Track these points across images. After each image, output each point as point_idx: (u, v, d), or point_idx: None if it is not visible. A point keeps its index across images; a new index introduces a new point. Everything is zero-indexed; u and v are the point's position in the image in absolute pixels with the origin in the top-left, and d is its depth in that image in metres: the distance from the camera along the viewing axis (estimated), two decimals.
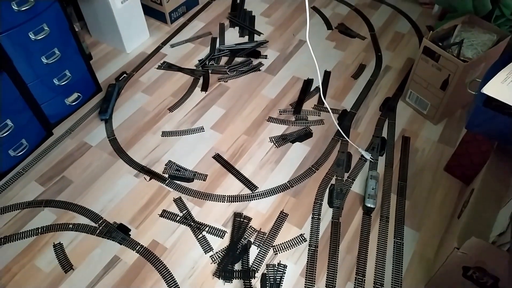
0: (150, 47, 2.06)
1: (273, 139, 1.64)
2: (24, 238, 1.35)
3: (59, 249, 1.32)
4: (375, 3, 2.30)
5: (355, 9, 2.27)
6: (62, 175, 1.52)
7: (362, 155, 1.56)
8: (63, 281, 1.25)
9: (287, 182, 1.49)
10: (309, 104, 1.77)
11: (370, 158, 1.55)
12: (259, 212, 1.40)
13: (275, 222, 1.38)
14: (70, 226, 1.37)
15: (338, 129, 1.63)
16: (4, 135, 1.43)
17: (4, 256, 1.31)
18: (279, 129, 1.67)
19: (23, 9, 1.35)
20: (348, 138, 1.62)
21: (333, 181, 1.49)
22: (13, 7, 1.33)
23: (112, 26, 1.92)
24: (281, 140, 1.63)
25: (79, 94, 1.71)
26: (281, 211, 1.41)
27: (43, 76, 1.54)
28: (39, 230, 1.37)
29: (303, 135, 1.65)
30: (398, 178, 1.50)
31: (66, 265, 1.28)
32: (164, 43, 2.08)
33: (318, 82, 1.86)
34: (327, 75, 1.91)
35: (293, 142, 1.63)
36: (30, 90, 1.51)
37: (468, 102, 1.71)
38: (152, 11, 2.17)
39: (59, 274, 1.27)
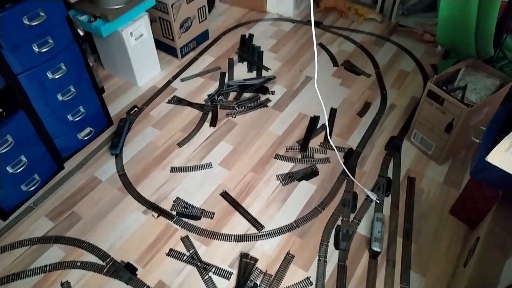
0: (161, 81, 2.12)
1: (279, 177, 1.66)
2: (32, 276, 1.36)
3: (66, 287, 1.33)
4: (380, 41, 2.36)
5: (360, 46, 2.33)
6: (72, 210, 1.55)
7: (368, 196, 1.58)
8: None
9: (294, 222, 1.51)
10: (315, 142, 1.80)
11: (376, 199, 1.57)
12: (265, 253, 1.41)
13: (281, 263, 1.39)
14: (78, 264, 1.39)
15: (344, 168, 1.66)
16: (18, 171, 1.46)
17: None
18: (285, 167, 1.70)
19: (43, 50, 1.41)
20: (354, 177, 1.65)
21: (339, 222, 1.51)
22: (34, 48, 1.38)
23: (125, 61, 1.98)
24: (288, 178, 1.66)
25: (91, 128, 1.75)
26: (287, 252, 1.42)
27: (58, 112, 1.58)
28: (48, 267, 1.38)
29: (309, 174, 1.67)
30: (404, 220, 1.51)
31: None
32: (175, 77, 2.14)
33: (324, 119, 1.89)
34: (333, 112, 1.94)
35: (299, 180, 1.65)
36: (44, 126, 1.56)
37: (472, 144, 1.73)
38: (164, 46, 2.24)
39: None
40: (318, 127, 1.88)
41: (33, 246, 1.44)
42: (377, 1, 2.52)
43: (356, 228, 1.49)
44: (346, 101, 2.00)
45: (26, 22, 1.31)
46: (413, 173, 1.67)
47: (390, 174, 1.67)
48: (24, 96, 1.43)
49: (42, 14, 1.34)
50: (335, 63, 2.22)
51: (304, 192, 1.61)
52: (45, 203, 1.57)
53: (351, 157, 1.74)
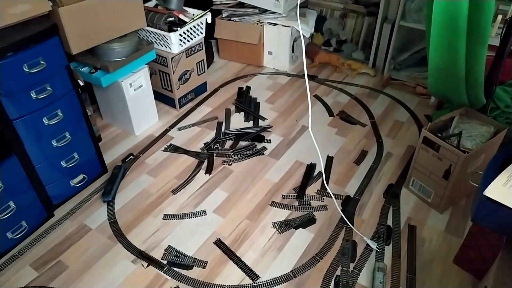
0: (158, 130, 2.14)
1: (276, 224, 1.61)
2: None
3: None
4: (373, 93, 2.43)
5: (355, 98, 2.39)
6: (58, 259, 1.48)
7: (367, 244, 1.52)
8: None
9: (290, 271, 1.43)
10: (312, 189, 1.77)
11: (376, 247, 1.50)
12: None
13: None
14: None
15: (342, 216, 1.61)
16: (5, 217, 1.42)
17: None
18: (282, 214, 1.66)
19: (41, 96, 1.43)
20: (353, 225, 1.59)
21: (338, 272, 1.43)
22: (32, 95, 1.41)
23: (123, 110, 2.01)
24: (284, 226, 1.60)
25: (84, 175, 1.73)
26: None
27: (52, 158, 1.58)
28: None
29: (307, 221, 1.62)
30: (407, 270, 1.43)
31: None
32: (172, 126, 2.17)
33: (321, 167, 1.88)
34: (329, 160, 1.94)
35: (296, 228, 1.60)
36: (37, 172, 1.54)
37: (472, 191, 1.70)
38: (162, 97, 2.29)
39: None
40: (314, 174, 1.86)
41: None
42: (369, 57, 2.63)
43: (357, 279, 1.41)
44: (342, 149, 2.00)
45: (26, 69, 1.35)
46: (413, 221, 1.62)
47: (390, 222, 1.62)
48: (18, 141, 1.43)
49: (42, 62, 1.39)
50: (330, 114, 2.26)
51: (301, 240, 1.55)
52: (31, 252, 1.50)
53: (349, 204, 1.70)
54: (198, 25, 2.17)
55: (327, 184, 1.78)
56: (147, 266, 1.45)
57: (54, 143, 1.55)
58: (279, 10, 2.47)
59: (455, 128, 1.64)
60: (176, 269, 1.44)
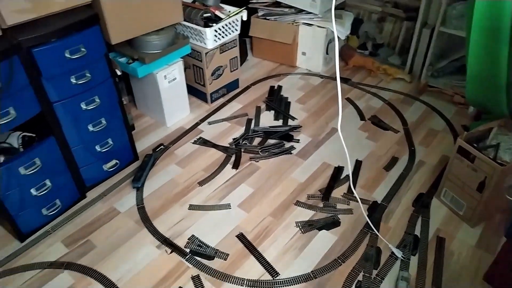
0: (189, 122, 2.18)
1: (299, 224, 1.60)
2: None
3: None
4: (408, 100, 2.37)
5: (388, 103, 2.34)
6: (87, 238, 1.54)
7: (392, 252, 1.48)
8: None
9: (311, 272, 1.42)
10: (338, 192, 1.75)
11: (402, 256, 1.47)
12: None
13: None
14: None
15: (367, 221, 1.58)
16: (41, 194, 1.49)
17: None
18: (306, 214, 1.65)
19: (80, 82, 1.49)
20: (378, 232, 1.56)
21: (360, 277, 1.40)
22: (72, 80, 1.47)
23: (157, 102, 2.07)
24: (307, 226, 1.59)
25: (117, 161, 1.79)
26: None
27: (87, 142, 1.64)
28: None
29: (330, 223, 1.61)
30: (432, 283, 1.39)
31: None
32: (203, 120, 2.20)
33: (348, 170, 1.85)
34: (358, 164, 1.91)
35: (319, 229, 1.58)
36: (72, 154, 1.61)
37: (508, 206, 1.63)
38: (194, 91, 2.33)
39: None
40: (341, 177, 1.84)
41: (45, 270, 1.42)
42: (406, 62, 2.57)
43: (379, 286, 1.38)
44: (372, 154, 1.97)
45: (67, 55, 1.41)
46: (442, 233, 1.57)
47: (417, 232, 1.57)
48: (56, 123, 1.50)
49: (82, 49, 1.44)
50: (362, 118, 2.23)
51: (324, 242, 1.53)
52: (63, 229, 1.57)
53: (376, 210, 1.67)
54: (233, 22, 2.19)
55: (354, 188, 1.75)
56: (171, 253, 1.48)
57: (90, 127, 1.61)
58: (315, 10, 2.45)
59: (492, 140, 1.58)
60: (198, 258, 1.46)
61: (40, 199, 1.50)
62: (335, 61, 1.26)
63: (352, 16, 2.73)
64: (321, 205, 1.69)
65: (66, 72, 1.44)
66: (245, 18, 2.24)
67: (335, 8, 2.71)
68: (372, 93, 2.44)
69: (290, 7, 2.54)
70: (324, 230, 1.58)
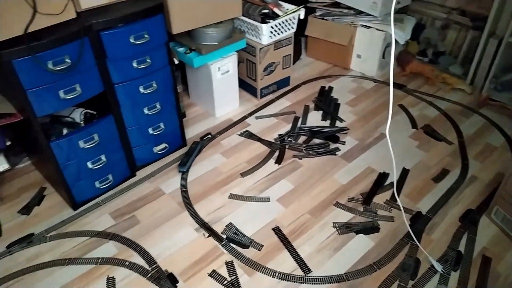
0: (237, 115, 2.23)
1: (337, 225, 1.59)
2: (85, 264, 1.44)
3: (111, 283, 1.37)
4: (466, 112, 2.25)
5: (444, 113, 2.24)
6: (133, 214, 1.63)
7: (432, 265, 1.43)
8: None
9: (344, 273, 1.41)
10: (380, 198, 1.71)
11: (442, 270, 1.41)
12: None
13: None
14: (127, 263, 1.43)
15: (409, 231, 1.53)
16: (96, 167, 1.60)
17: (64, 276, 1.40)
18: (344, 216, 1.63)
19: (141, 67, 1.59)
20: (419, 243, 1.51)
21: (395, 286, 1.37)
22: (133, 64, 1.57)
23: (209, 93, 2.14)
24: (345, 228, 1.58)
25: (166, 145, 1.88)
26: None
27: (142, 124, 1.74)
28: (99, 260, 1.45)
29: (369, 228, 1.57)
30: None
31: None
32: (250, 114, 2.24)
33: (393, 177, 1.80)
34: (405, 172, 1.85)
35: (357, 233, 1.56)
36: (127, 134, 1.71)
37: None
38: (245, 85, 2.38)
39: None
40: (385, 184, 1.79)
41: (92, 238, 1.53)
42: (468, 73, 2.44)
43: None
44: (422, 164, 1.89)
45: (132, 40, 1.50)
46: (489, 253, 1.48)
47: (462, 248, 1.50)
48: (116, 103, 1.60)
49: (146, 36, 1.53)
50: (414, 126, 2.15)
51: (360, 246, 1.51)
52: (112, 203, 1.68)
53: (419, 221, 1.61)
54: (290, 19, 2.21)
55: (398, 196, 1.70)
56: (208, 237, 1.53)
57: (145, 110, 1.71)
58: (375, 13, 2.40)
59: None
60: (233, 246, 1.50)
61: (94, 172, 1.62)
62: (390, 65, 1.23)
63: (414, 21, 2.63)
64: (361, 209, 1.66)
65: (129, 56, 1.54)
66: (302, 17, 2.25)
67: (397, 12, 2.65)
68: (428, 101, 2.35)
69: (349, 8, 2.51)
70: (361, 234, 1.55)
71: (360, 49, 2.56)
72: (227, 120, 2.19)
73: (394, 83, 2.48)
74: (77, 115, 1.59)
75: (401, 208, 1.55)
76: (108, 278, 1.39)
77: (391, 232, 1.56)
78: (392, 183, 1.78)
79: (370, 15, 2.44)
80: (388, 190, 1.75)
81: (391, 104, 1.31)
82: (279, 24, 2.16)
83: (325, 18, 2.58)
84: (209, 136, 2.07)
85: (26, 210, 1.66)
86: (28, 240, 1.53)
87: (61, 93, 1.37)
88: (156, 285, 1.37)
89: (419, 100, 2.36)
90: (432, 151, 1.97)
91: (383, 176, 1.83)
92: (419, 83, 2.52)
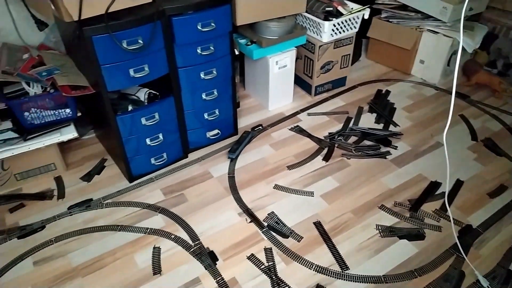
0: (289, 110, 2.25)
1: (380, 227, 1.57)
2: (135, 232, 1.54)
3: (156, 252, 1.46)
4: None
5: (509, 128, 2.11)
6: (182, 192, 1.72)
7: (478, 280, 1.36)
8: (148, 281, 1.37)
9: (382, 275, 1.39)
10: (429, 207, 1.66)
11: (488, 286, 1.34)
12: None
13: None
14: (172, 236, 1.52)
15: (456, 243, 1.48)
16: (153, 144, 1.71)
17: (115, 240, 1.52)
18: (389, 220, 1.60)
19: (204, 53, 1.67)
20: (466, 256, 1.45)
21: None
22: (198, 50, 1.65)
23: (264, 85, 2.18)
24: (388, 232, 1.55)
25: (219, 131, 1.96)
26: None
27: (198, 108, 1.82)
28: (148, 230, 1.55)
29: (414, 235, 1.53)
30: None
31: (157, 269, 1.41)
32: (303, 110, 2.26)
33: (446, 187, 1.74)
34: (459, 183, 1.77)
35: (400, 237, 1.53)
36: (184, 116, 1.80)
37: None
38: (300, 81, 2.40)
39: (148, 274, 1.40)
40: (436, 193, 1.73)
41: (143, 209, 1.64)
42: None
43: None
44: (478, 177, 1.81)
45: (199, 27, 1.58)
46: None
47: None
48: (178, 86, 1.70)
49: (212, 24, 1.61)
50: (474, 138, 2.05)
51: (403, 251, 1.47)
52: (164, 180, 1.79)
53: (468, 234, 1.54)
54: (353, 19, 2.19)
55: (449, 206, 1.64)
56: (250, 222, 1.58)
57: (203, 96, 1.79)
58: (444, 18, 2.31)
59: None
60: (273, 234, 1.53)
61: (151, 149, 1.73)
62: (455, 73, 1.20)
63: (486, 29, 2.50)
64: (407, 214, 1.62)
65: (195, 42, 1.62)
66: (366, 17, 2.22)
67: (468, 19, 2.53)
68: (492, 114, 2.22)
69: (417, 11, 2.44)
70: (405, 240, 1.52)
71: (423, 55, 2.48)
72: (279, 114, 2.23)
73: (457, 93, 2.37)
74: (142, 94, 1.71)
75: (451, 219, 1.50)
76: (154, 248, 1.48)
77: (437, 241, 1.51)
78: (443, 193, 1.72)
79: (439, 20, 2.35)
80: (438, 200, 1.69)
81: (451, 110, 1.28)
82: (342, 22, 2.15)
83: (390, 20, 2.53)
84: (260, 127, 2.12)
85: (87, 177, 1.81)
86: (86, 204, 1.67)
87: (131, 71, 1.48)
88: (198, 260, 1.44)
89: (482, 112, 2.24)
90: (490, 165, 1.87)
91: (434, 185, 1.76)
92: (484, 95, 2.39)
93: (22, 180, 1.75)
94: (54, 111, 1.64)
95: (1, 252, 1.47)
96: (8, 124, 1.56)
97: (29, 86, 1.57)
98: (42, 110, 1.60)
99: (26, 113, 1.58)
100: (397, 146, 1.98)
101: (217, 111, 1.89)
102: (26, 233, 1.54)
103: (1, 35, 1.75)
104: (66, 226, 1.58)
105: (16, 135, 1.59)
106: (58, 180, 1.79)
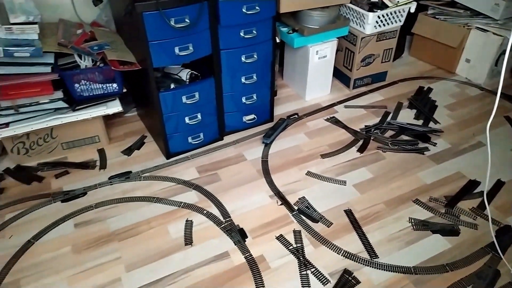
0: (326, 102, 2.25)
1: (413, 220, 1.54)
2: (169, 205, 1.60)
3: (189, 225, 1.52)
4: None
5: None
6: (215, 171, 1.77)
7: None
8: (180, 250, 1.42)
9: (412, 267, 1.37)
10: (465, 204, 1.61)
11: None
12: (370, 281, 1.32)
13: None
14: (205, 212, 1.57)
15: (493, 241, 1.43)
16: (192, 123, 1.77)
17: (151, 211, 1.58)
18: (422, 214, 1.57)
19: (246, 36, 1.70)
20: (503, 256, 1.39)
21: None
22: (241, 33, 1.68)
23: (303, 75, 2.19)
24: (421, 225, 1.52)
25: (255, 116, 1.99)
26: None
27: (237, 91, 1.86)
28: (182, 204, 1.60)
29: (448, 230, 1.50)
30: None
31: (188, 240, 1.46)
32: (340, 102, 2.24)
33: (485, 186, 1.68)
34: (499, 184, 1.71)
35: (434, 232, 1.49)
36: (223, 99, 1.84)
37: None
38: (339, 73, 2.38)
39: (179, 243, 1.45)
40: (474, 191, 1.67)
41: (179, 185, 1.70)
42: None
43: None
44: None
45: (244, 10, 1.61)
46: None
47: None
48: (219, 67, 1.74)
49: (257, 8, 1.63)
50: None
51: (435, 246, 1.44)
52: (199, 159, 1.84)
53: (507, 235, 1.49)
54: (399, 11, 2.15)
55: (488, 205, 1.58)
56: (280, 205, 1.60)
57: (243, 79, 1.82)
58: (496, 15, 2.22)
59: None
60: (303, 217, 1.54)
61: (190, 128, 1.79)
62: (501, 73, 1.17)
63: None
64: (442, 210, 1.58)
65: (239, 25, 1.65)
66: (413, 10, 2.17)
67: None
68: None
69: (466, 8, 2.36)
70: (438, 235, 1.48)
71: (470, 53, 2.39)
72: (316, 104, 2.23)
73: (503, 94, 2.28)
74: (184, 74, 1.76)
75: (490, 218, 1.45)
76: (187, 221, 1.53)
77: (472, 239, 1.47)
78: (481, 192, 1.66)
79: (489, 17, 2.27)
80: (476, 198, 1.64)
81: (494, 109, 1.25)
82: (387, 14, 2.12)
83: (437, 17, 2.46)
84: (296, 116, 2.13)
85: (128, 151, 1.90)
86: (126, 176, 1.75)
87: (176, 49, 1.54)
88: (228, 235, 1.47)
89: None
90: None
91: (473, 183, 1.71)
92: None
93: (68, 150, 1.86)
94: (102, 85, 1.73)
95: (46, 213, 1.57)
96: (59, 94, 1.66)
97: (81, 59, 1.66)
98: (91, 83, 1.70)
99: (77, 85, 1.68)
100: (436, 143, 1.93)
101: (254, 96, 1.92)
102: (69, 198, 1.64)
103: (59, 12, 1.87)
104: (106, 194, 1.66)
105: (66, 105, 1.69)
106: (101, 152, 1.89)
